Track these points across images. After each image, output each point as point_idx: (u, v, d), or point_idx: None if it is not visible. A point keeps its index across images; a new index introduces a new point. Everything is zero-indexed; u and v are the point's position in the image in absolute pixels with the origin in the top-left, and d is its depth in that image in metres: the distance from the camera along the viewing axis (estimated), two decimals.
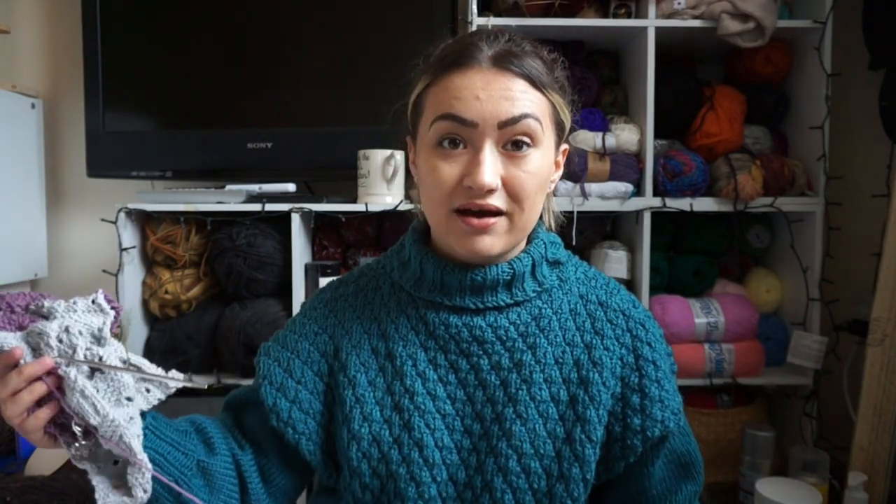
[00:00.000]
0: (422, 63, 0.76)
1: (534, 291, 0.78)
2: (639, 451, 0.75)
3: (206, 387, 0.76)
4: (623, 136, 1.58)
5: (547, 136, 0.72)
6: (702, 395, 1.64)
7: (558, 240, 0.83)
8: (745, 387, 1.62)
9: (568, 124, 0.77)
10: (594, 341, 0.76)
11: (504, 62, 0.69)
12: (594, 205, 1.56)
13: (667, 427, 0.75)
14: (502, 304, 0.76)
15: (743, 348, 1.59)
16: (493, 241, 0.71)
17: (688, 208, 1.57)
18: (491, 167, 0.68)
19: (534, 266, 0.78)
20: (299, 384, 0.78)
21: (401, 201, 1.52)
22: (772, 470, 1.52)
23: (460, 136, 0.69)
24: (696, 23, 1.56)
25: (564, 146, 0.79)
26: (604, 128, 1.61)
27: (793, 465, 1.48)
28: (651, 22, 1.55)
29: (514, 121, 0.68)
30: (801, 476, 1.44)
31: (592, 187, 1.55)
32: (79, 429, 0.63)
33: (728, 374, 1.59)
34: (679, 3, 1.55)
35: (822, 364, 1.55)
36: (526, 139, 0.69)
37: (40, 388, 0.63)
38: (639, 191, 1.59)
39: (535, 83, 0.70)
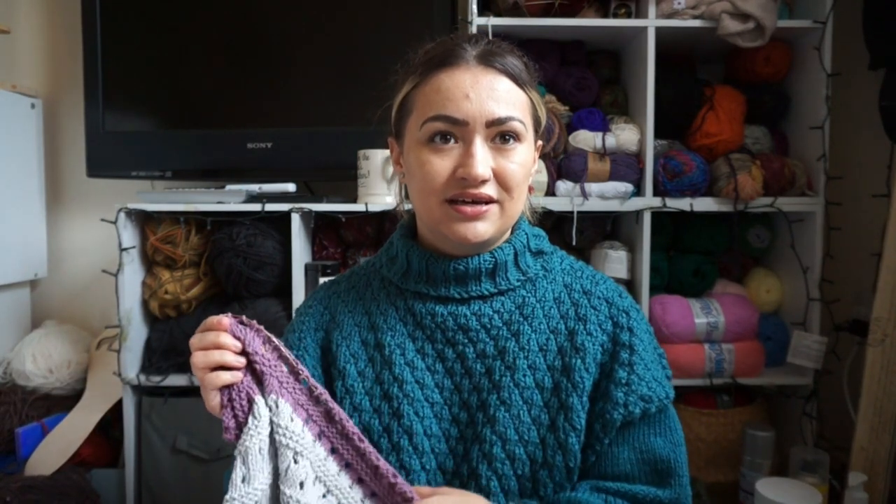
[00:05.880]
0: (401, 67, 0.79)
1: (518, 281, 0.79)
2: (600, 437, 0.74)
3: None
4: (623, 136, 1.58)
5: (529, 132, 0.76)
6: (702, 395, 1.63)
7: (542, 233, 0.85)
8: (745, 387, 1.62)
9: (544, 120, 0.81)
10: (577, 327, 0.77)
11: (489, 60, 0.73)
12: (594, 205, 1.56)
13: (630, 412, 0.73)
14: (486, 293, 0.78)
15: (743, 348, 1.59)
16: (486, 227, 0.74)
17: (688, 208, 1.57)
18: (483, 159, 0.72)
19: (516, 256, 0.79)
20: (313, 378, 0.79)
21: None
22: (772, 470, 1.52)
23: (451, 132, 0.73)
24: (696, 23, 1.56)
25: (539, 142, 0.82)
26: (604, 128, 1.61)
27: (793, 465, 1.48)
28: (651, 22, 1.55)
29: (501, 122, 0.72)
30: (801, 476, 1.44)
31: (592, 187, 1.55)
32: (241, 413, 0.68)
33: (728, 374, 1.59)
34: (679, 3, 1.55)
35: (822, 364, 1.55)
36: (511, 135, 0.74)
37: (233, 360, 0.68)
38: (639, 191, 1.59)
39: (518, 81, 0.75)
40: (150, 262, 1.64)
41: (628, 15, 1.60)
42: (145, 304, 1.63)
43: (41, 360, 1.70)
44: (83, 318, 1.92)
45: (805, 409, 1.59)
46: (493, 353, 0.76)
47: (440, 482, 0.74)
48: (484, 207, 0.73)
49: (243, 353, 0.69)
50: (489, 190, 0.72)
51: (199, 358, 0.68)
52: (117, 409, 1.60)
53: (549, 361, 0.76)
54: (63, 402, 1.69)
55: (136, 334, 1.59)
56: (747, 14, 1.51)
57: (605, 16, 1.62)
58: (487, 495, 0.72)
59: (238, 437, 0.67)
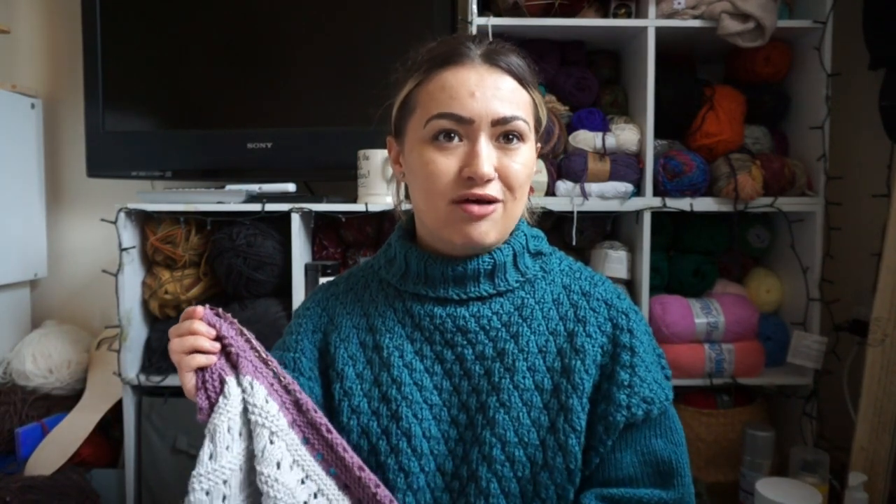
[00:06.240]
0: (401, 66, 0.79)
1: (517, 282, 0.79)
2: (603, 439, 0.73)
3: None
4: (623, 136, 1.58)
5: (531, 132, 0.76)
6: (702, 395, 1.63)
7: (541, 233, 0.85)
8: (745, 387, 1.61)
9: (544, 121, 0.81)
10: (577, 329, 0.77)
11: (494, 59, 0.74)
12: (594, 205, 1.56)
13: (633, 414, 0.73)
14: (485, 294, 0.78)
15: (743, 348, 1.59)
16: (489, 228, 0.74)
17: (688, 208, 1.57)
18: (488, 158, 0.72)
19: (515, 256, 0.79)
20: (311, 380, 0.80)
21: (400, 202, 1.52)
22: (772, 470, 1.52)
23: (457, 131, 0.72)
24: (696, 23, 1.56)
25: (538, 144, 0.82)
26: (604, 128, 1.61)
27: (793, 465, 1.48)
28: (651, 22, 1.55)
29: (506, 121, 0.73)
30: (801, 476, 1.44)
31: (592, 187, 1.55)
32: (212, 396, 0.70)
33: (728, 374, 1.59)
34: (679, 3, 1.55)
35: (822, 364, 1.55)
36: (515, 134, 0.74)
37: (208, 345, 0.71)
38: (639, 191, 1.58)
39: (521, 80, 0.75)
40: (150, 262, 1.64)
41: (628, 15, 1.60)
42: (145, 304, 1.63)
43: (41, 360, 1.70)
44: (83, 318, 1.92)
45: (805, 409, 1.59)
46: (491, 355, 0.76)
47: (439, 484, 0.74)
48: (490, 207, 0.73)
49: (218, 339, 0.72)
50: (493, 190, 0.72)
51: (175, 344, 0.72)
52: (117, 409, 1.60)
53: (549, 363, 0.75)
54: (63, 402, 1.70)
55: (136, 334, 1.59)
56: (747, 14, 1.51)
57: (605, 16, 1.61)
58: (487, 497, 0.72)
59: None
